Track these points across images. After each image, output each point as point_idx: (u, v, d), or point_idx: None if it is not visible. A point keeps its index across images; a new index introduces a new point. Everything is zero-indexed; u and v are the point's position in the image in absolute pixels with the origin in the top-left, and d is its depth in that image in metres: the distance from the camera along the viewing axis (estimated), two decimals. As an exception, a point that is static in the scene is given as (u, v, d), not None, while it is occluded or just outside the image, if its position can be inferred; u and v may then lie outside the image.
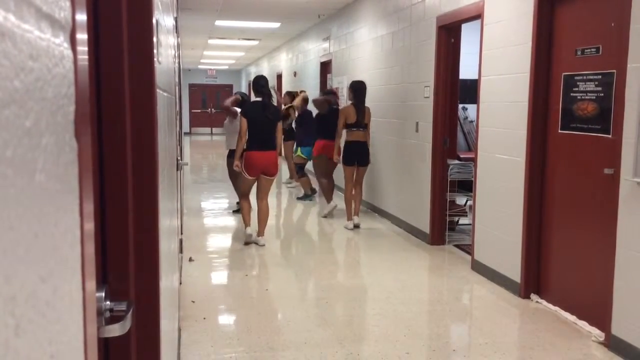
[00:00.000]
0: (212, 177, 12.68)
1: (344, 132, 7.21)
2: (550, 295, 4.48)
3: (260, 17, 10.94)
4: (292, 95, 9.74)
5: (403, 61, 7.03)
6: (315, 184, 9.07)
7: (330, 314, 4.38)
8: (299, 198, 9.28)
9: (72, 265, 0.62)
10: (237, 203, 7.98)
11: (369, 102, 8.35)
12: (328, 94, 8.54)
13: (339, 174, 8.08)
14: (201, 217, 8.05)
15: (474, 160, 5.54)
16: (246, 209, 6.36)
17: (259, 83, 6.28)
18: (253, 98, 6.46)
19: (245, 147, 6.06)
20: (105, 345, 1.32)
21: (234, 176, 7.94)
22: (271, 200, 9.43)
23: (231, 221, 7.78)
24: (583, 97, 4.06)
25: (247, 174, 6.12)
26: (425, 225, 6.45)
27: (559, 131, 4.34)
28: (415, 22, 6.65)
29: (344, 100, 9.65)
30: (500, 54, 4.93)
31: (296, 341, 3.84)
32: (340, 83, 9.79)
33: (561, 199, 4.36)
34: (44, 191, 0.52)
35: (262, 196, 6.31)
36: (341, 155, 7.30)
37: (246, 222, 6.34)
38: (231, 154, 7.91)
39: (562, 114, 4.29)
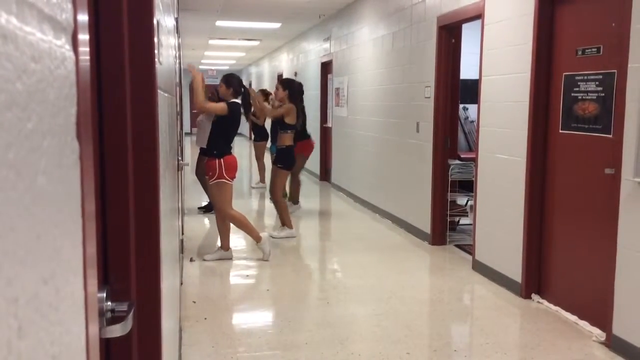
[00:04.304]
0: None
1: (286, 135, 6.76)
2: (551, 296, 4.48)
3: (261, 18, 10.94)
4: (265, 93, 9.55)
5: (404, 61, 7.03)
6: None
7: (331, 314, 4.37)
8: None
9: (74, 267, 0.62)
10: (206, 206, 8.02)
11: (370, 101, 8.37)
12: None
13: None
14: (202, 217, 8.05)
15: (474, 160, 5.54)
16: (243, 218, 5.72)
17: (237, 82, 5.76)
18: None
19: (223, 151, 5.49)
20: (107, 346, 1.32)
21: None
22: (261, 202, 9.51)
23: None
24: (584, 97, 4.06)
25: (230, 179, 5.53)
26: (426, 225, 6.45)
27: (560, 131, 4.34)
28: (415, 22, 6.65)
29: (345, 101, 9.67)
30: (501, 54, 4.93)
31: (297, 341, 3.84)
32: (342, 83, 9.79)
33: (562, 199, 4.36)
34: (45, 193, 0.52)
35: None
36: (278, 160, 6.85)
37: (256, 234, 5.76)
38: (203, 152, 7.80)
39: (563, 114, 4.29)
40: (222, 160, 5.46)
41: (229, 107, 5.53)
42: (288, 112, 6.72)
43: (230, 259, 5.80)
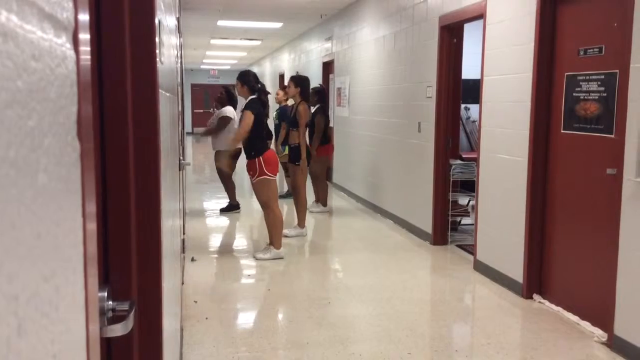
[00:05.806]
0: (215, 177, 12.66)
1: (296, 132, 6.72)
2: (552, 296, 4.47)
3: (263, 17, 10.94)
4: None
5: (405, 61, 7.03)
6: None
7: (333, 314, 4.37)
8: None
9: (74, 265, 0.62)
10: (231, 204, 8.09)
11: (371, 101, 8.36)
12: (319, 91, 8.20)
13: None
14: (203, 217, 8.05)
15: (476, 160, 5.54)
16: (281, 223, 5.77)
17: (253, 78, 5.75)
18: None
19: (260, 150, 5.53)
20: (108, 345, 1.32)
21: (227, 176, 8.07)
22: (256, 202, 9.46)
23: (232, 221, 7.78)
24: (586, 97, 4.06)
25: (272, 174, 5.59)
26: (427, 225, 6.44)
27: (562, 131, 4.33)
28: (417, 22, 6.64)
29: (346, 101, 9.67)
30: (503, 53, 4.93)
31: (298, 341, 3.84)
32: (343, 83, 9.79)
33: (564, 199, 4.36)
34: (46, 191, 0.52)
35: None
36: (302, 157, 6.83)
37: (279, 242, 5.81)
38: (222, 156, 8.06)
39: (565, 114, 4.28)
40: (261, 158, 5.51)
41: (252, 115, 5.50)
42: (306, 116, 6.73)
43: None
